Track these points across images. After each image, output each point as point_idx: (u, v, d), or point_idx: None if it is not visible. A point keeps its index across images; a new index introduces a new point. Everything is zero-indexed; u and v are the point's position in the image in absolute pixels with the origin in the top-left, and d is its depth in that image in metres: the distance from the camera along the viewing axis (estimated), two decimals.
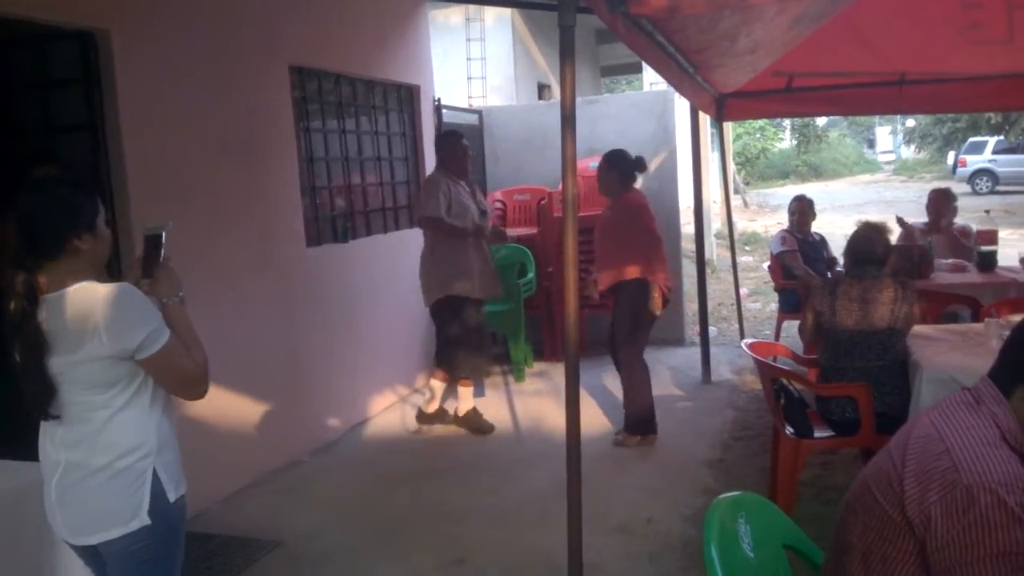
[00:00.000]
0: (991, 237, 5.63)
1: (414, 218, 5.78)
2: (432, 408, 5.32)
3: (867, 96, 6.41)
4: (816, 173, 32.59)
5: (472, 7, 8.76)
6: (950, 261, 5.68)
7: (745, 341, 3.96)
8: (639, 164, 4.96)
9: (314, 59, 5.28)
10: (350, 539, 3.86)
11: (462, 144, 5.18)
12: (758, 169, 30.09)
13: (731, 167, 16.60)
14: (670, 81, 4.73)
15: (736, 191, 21.02)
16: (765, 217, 19.00)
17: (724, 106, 6.65)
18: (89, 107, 3.84)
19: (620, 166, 4.89)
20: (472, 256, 5.08)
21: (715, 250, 11.93)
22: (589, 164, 6.86)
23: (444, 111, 6.90)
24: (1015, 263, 5.75)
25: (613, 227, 4.86)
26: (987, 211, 7.32)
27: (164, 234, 2.15)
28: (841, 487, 4.05)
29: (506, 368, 6.58)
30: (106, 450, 2.02)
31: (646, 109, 7.45)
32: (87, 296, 1.97)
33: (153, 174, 3.99)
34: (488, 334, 5.66)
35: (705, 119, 8.86)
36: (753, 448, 4.67)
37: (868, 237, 3.78)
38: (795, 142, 34.28)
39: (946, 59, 5.70)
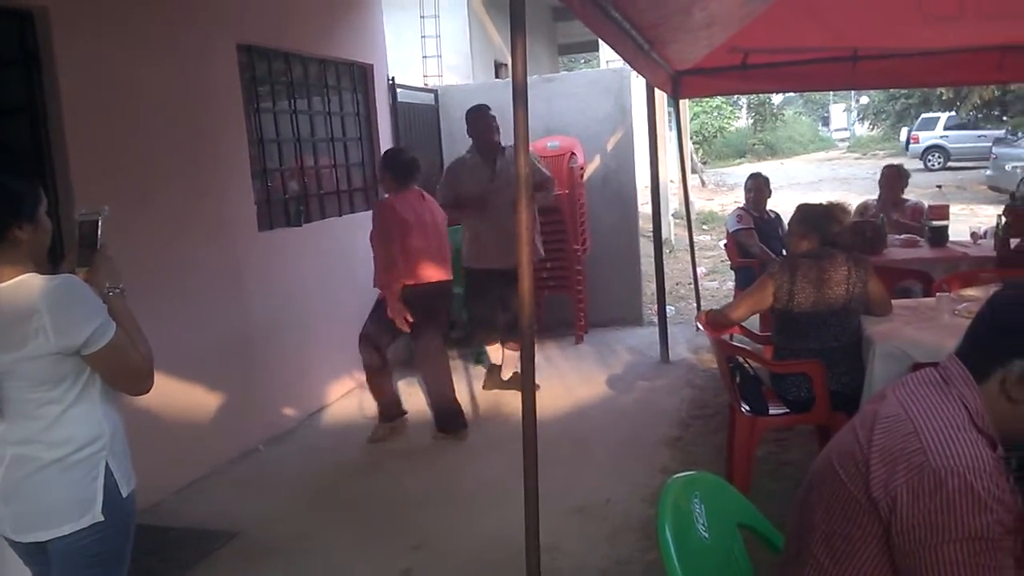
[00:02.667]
0: (942, 212, 5.71)
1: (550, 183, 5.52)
2: (507, 375, 5.58)
3: (821, 72, 6.45)
4: (772, 151, 32.92)
5: None
6: (902, 236, 5.74)
7: (702, 319, 3.95)
8: (411, 165, 4.77)
9: (264, 38, 5.14)
10: (307, 528, 3.81)
11: (475, 118, 5.29)
12: (715, 148, 30.31)
13: (688, 146, 16.68)
14: (626, 58, 4.69)
15: (694, 170, 21.13)
16: (722, 196, 19.16)
17: (680, 83, 6.64)
18: (28, 89, 3.68)
19: (393, 167, 4.76)
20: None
21: (672, 229, 11.98)
22: (547, 143, 6.83)
23: (399, 90, 6.79)
24: (966, 238, 5.84)
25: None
26: (939, 186, 7.48)
27: (100, 220, 2.06)
28: (796, 463, 4.10)
29: (467, 351, 6.54)
30: (60, 445, 1.96)
31: (603, 87, 7.40)
32: (29, 290, 1.90)
33: (96, 158, 3.85)
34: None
35: (662, 98, 8.86)
36: (711, 426, 4.69)
37: (835, 216, 3.77)
38: (751, 121, 34.56)
39: (898, 34, 5.75)
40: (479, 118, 5.25)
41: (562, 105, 7.34)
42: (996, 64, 6.10)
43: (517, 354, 5.37)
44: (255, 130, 5.09)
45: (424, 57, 8.78)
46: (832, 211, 3.72)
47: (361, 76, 6.36)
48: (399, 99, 6.78)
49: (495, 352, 5.64)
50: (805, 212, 3.76)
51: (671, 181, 12.59)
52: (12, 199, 1.96)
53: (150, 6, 4.21)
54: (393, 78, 6.69)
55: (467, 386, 5.84)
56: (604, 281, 7.16)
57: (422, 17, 8.87)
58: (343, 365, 5.78)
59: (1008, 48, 5.95)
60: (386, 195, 4.80)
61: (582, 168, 6.95)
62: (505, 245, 4.95)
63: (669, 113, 13.90)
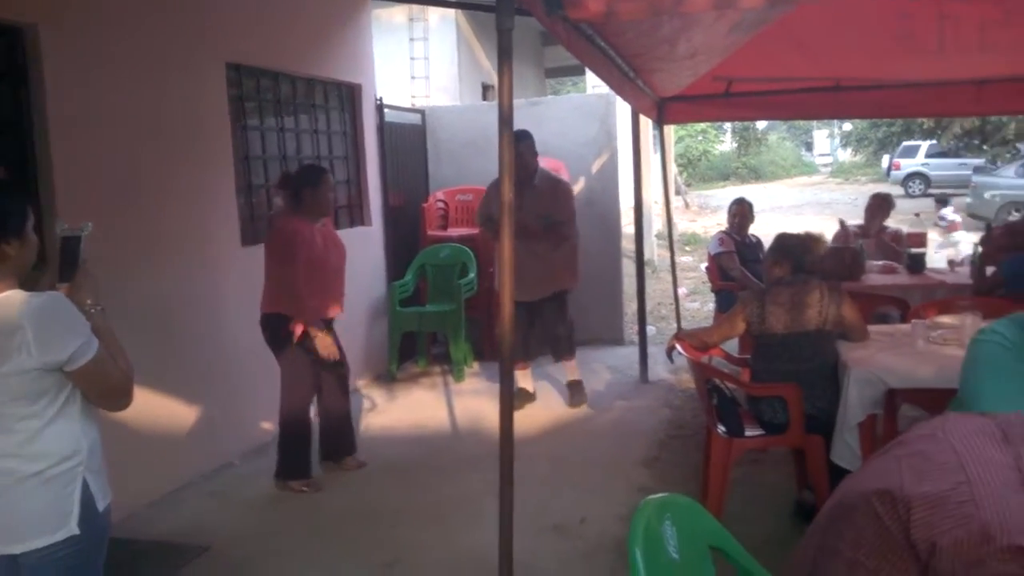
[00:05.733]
0: (920, 240, 5.81)
1: (573, 229, 5.51)
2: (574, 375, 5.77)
3: (804, 101, 6.56)
4: (756, 175, 33.19)
5: (416, 7, 8.71)
6: (881, 263, 5.84)
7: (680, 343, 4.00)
8: (304, 177, 4.32)
9: (252, 56, 5.19)
10: (281, 543, 3.81)
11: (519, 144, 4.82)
12: (699, 171, 30.56)
13: (672, 169, 16.83)
14: (611, 85, 4.77)
15: (677, 192, 21.31)
16: (705, 218, 19.31)
17: (665, 110, 6.73)
18: (15, 105, 3.70)
19: (286, 184, 4.36)
20: None
21: (656, 250, 12.07)
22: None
23: (386, 110, 6.85)
24: (944, 265, 5.94)
25: None
26: (917, 214, 7.65)
27: (83, 237, 2.09)
28: (771, 485, 4.15)
29: (446, 368, 6.57)
30: (38, 459, 1.97)
31: (588, 112, 7.50)
32: (13, 306, 1.91)
33: (81, 174, 3.87)
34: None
35: (647, 122, 8.97)
36: (688, 447, 4.74)
37: (809, 247, 3.85)
38: (735, 145, 34.86)
39: (880, 66, 5.87)
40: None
41: (548, 128, 7.41)
42: (974, 97, 6.22)
43: (573, 362, 5.70)
44: (241, 147, 5.13)
45: (412, 78, 8.85)
46: (807, 241, 3.81)
47: (349, 96, 6.42)
48: (386, 119, 6.84)
49: (522, 377, 5.70)
50: (781, 241, 3.85)
51: (655, 203, 12.70)
52: (0, 215, 1.98)
53: (139, 24, 4.25)
54: (381, 98, 6.75)
55: (446, 402, 5.88)
56: (586, 300, 7.19)
57: (411, 39, 8.95)
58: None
59: (985, 82, 6.08)
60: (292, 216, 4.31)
61: None
62: (522, 276, 4.98)
63: (654, 136, 14.05)
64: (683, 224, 17.31)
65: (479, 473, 4.39)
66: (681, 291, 9.58)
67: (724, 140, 34.54)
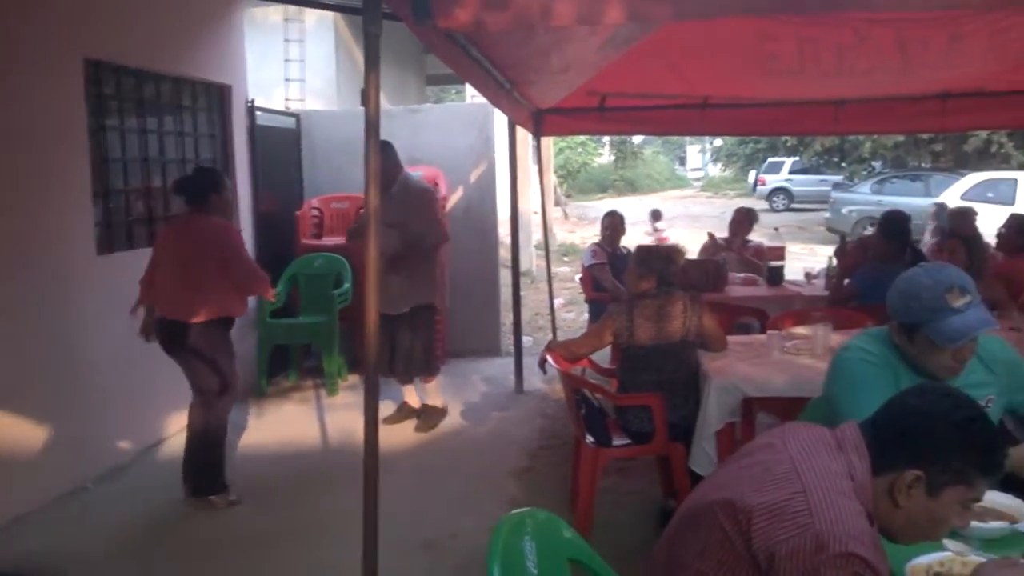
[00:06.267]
0: (779, 253, 6.09)
1: (434, 236, 5.29)
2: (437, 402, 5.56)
3: (673, 117, 6.76)
4: (632, 187, 34.16)
5: (292, 8, 8.50)
6: (742, 275, 6.08)
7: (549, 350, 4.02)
8: (208, 180, 4.31)
9: (113, 53, 4.92)
10: (138, 571, 3.61)
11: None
12: (579, 182, 31.17)
13: (551, 180, 17.08)
14: (486, 95, 4.79)
15: (557, 203, 21.64)
16: (584, 229, 19.66)
17: (542, 122, 6.80)
18: None
19: (185, 188, 4.31)
20: None
21: (535, 260, 12.20)
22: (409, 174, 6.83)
23: (258, 113, 6.64)
24: (800, 277, 6.25)
25: None
26: (776, 229, 8.06)
27: None
28: (638, 493, 4.24)
29: (319, 381, 6.41)
30: None
31: (467, 121, 7.50)
32: None
33: None
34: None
35: (526, 132, 9.06)
36: (559, 456, 4.78)
37: (671, 259, 3.95)
38: (613, 157, 35.79)
39: (745, 86, 6.12)
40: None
41: (427, 136, 7.38)
42: (832, 117, 6.56)
43: (432, 384, 5.48)
44: (100, 149, 4.85)
45: (287, 80, 8.63)
46: (668, 253, 3.91)
47: (218, 97, 6.18)
48: (258, 122, 6.63)
49: (408, 392, 5.55)
50: (643, 254, 3.93)
51: (534, 213, 12.83)
52: None
53: None
54: (252, 100, 6.54)
55: (318, 416, 5.74)
56: (463, 311, 7.21)
57: (286, 40, 8.72)
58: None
59: (842, 102, 6.43)
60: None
61: (444, 199, 6.99)
62: (383, 288, 4.88)
63: (534, 147, 14.21)
64: (562, 235, 17.57)
65: (350, 490, 4.22)
66: (558, 301, 9.72)
67: (603, 153, 35.38)
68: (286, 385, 6.49)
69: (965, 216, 6.20)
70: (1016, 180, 14.48)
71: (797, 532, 1.44)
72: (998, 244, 5.82)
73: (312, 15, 8.73)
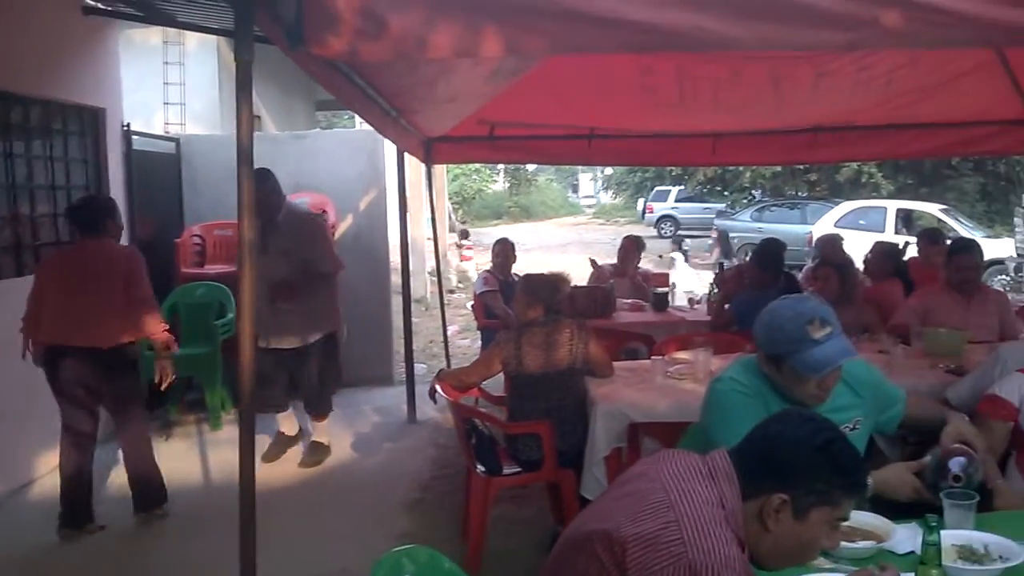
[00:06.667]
0: (664, 280, 6.25)
1: (329, 264, 5.16)
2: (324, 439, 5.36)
3: (562, 147, 6.87)
4: (527, 214, 34.57)
5: (172, 30, 8.24)
6: (630, 301, 6.21)
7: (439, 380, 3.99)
8: (103, 207, 4.33)
9: None
10: None
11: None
12: (474, 208, 31.32)
13: (446, 206, 17.07)
14: (373, 123, 4.72)
15: (452, 230, 21.64)
16: (480, 255, 19.71)
17: (432, 150, 6.79)
18: None
19: (79, 215, 4.32)
20: None
21: (429, 287, 12.13)
22: (296, 201, 6.68)
23: (135, 137, 6.39)
24: (685, 303, 6.43)
25: None
26: (661, 256, 8.33)
27: None
28: (530, 521, 4.23)
29: (202, 416, 6.15)
30: None
31: (357, 147, 7.42)
32: None
33: None
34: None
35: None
36: (452, 486, 4.73)
37: (557, 287, 3.99)
38: (507, 184, 36.15)
39: (629, 118, 6.29)
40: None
41: (314, 163, 7.26)
42: (711, 149, 6.81)
43: (324, 422, 5.30)
44: None
45: (166, 104, 8.34)
46: (554, 281, 3.95)
47: (92, 120, 5.91)
48: (135, 147, 6.38)
49: (284, 419, 5.38)
50: (530, 282, 3.96)
51: (427, 240, 12.78)
52: None
53: None
54: (128, 124, 6.29)
55: (200, 451, 5.50)
56: (354, 340, 7.05)
57: (166, 63, 8.44)
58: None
59: (720, 135, 6.69)
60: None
61: (333, 226, 6.88)
62: (276, 322, 4.78)
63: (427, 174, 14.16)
64: (457, 261, 17.56)
65: (233, 528, 4.11)
66: (453, 328, 9.70)
67: (497, 179, 35.69)
68: (167, 420, 6.20)
69: (834, 244, 6.51)
70: (885, 208, 15.39)
71: (671, 562, 1.46)
72: (865, 270, 6.15)
73: (193, 37, 8.49)
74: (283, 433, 5.40)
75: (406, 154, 6.34)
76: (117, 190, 6.07)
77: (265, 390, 4.75)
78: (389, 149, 7.56)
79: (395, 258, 7.75)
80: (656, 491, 1.58)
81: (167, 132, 7.83)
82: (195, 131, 8.35)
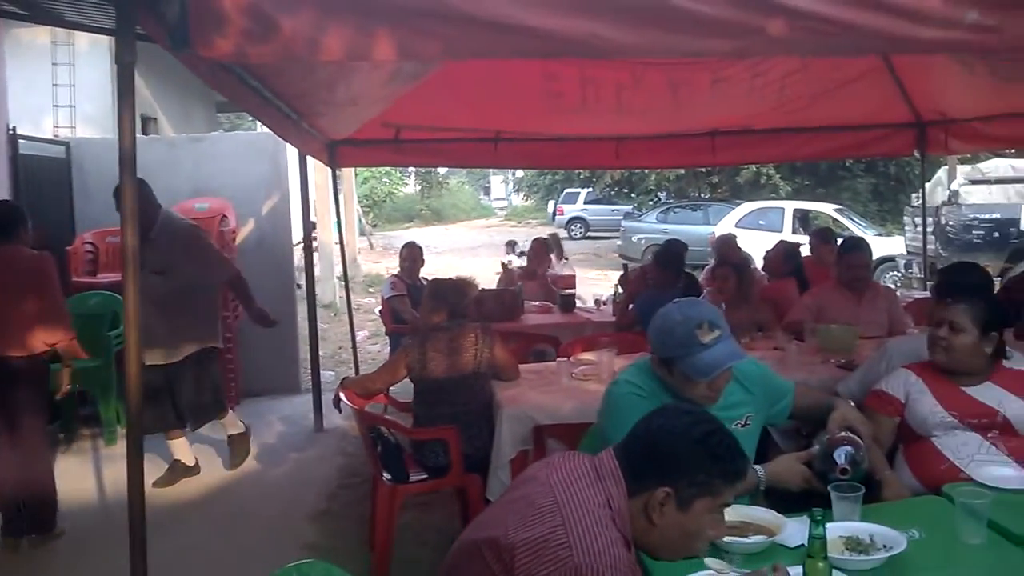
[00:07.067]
0: (570, 282, 6.31)
1: (219, 274, 4.97)
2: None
3: (467, 150, 6.86)
4: (438, 217, 34.46)
5: (61, 30, 7.88)
6: (538, 303, 6.25)
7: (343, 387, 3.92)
8: (13, 214, 4.24)
9: None
10: None
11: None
12: (385, 212, 31.03)
13: (355, 210, 16.88)
14: (271, 126, 4.62)
15: (363, 233, 21.41)
16: (390, 259, 19.54)
17: (336, 153, 6.68)
18: None
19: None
20: None
21: (338, 292, 11.95)
22: (195, 205, 6.49)
23: (21, 142, 6.08)
24: (592, 304, 6.50)
25: None
26: (566, 258, 8.37)
27: None
28: (438, 527, 4.20)
29: (96, 431, 5.89)
30: None
31: (259, 150, 7.24)
32: None
33: None
34: None
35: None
36: (359, 495, 4.66)
37: (463, 292, 3.98)
38: (419, 187, 35.95)
39: (534, 121, 6.33)
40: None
41: (214, 166, 7.06)
42: (614, 152, 6.91)
43: (179, 441, 5.00)
44: None
45: (55, 107, 7.97)
46: (460, 285, 3.95)
47: None
48: (22, 151, 6.08)
49: (179, 447, 5.04)
50: (436, 287, 3.95)
51: (336, 244, 12.60)
52: None
53: None
54: (14, 128, 5.98)
55: (94, 468, 5.28)
56: (258, 348, 6.90)
57: (54, 64, 8.07)
58: None
59: (623, 139, 6.80)
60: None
61: (234, 231, 6.71)
62: (157, 336, 4.53)
63: (337, 176, 13.93)
64: (367, 265, 17.40)
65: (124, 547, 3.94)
66: (362, 334, 9.58)
67: (408, 182, 35.45)
68: (58, 435, 5.91)
69: (730, 244, 6.71)
70: (783, 209, 15.94)
71: (557, 566, 1.48)
72: (764, 267, 6.36)
73: (84, 38, 8.14)
74: (180, 462, 5.04)
75: (312, 157, 6.22)
76: (2, 196, 5.76)
77: (147, 409, 4.54)
78: (292, 152, 7.41)
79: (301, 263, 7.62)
80: (545, 494, 1.59)
81: (56, 136, 7.49)
82: (87, 134, 8.00)
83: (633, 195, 23.35)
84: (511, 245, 12.12)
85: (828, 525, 2.06)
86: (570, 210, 26.74)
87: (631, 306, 5.62)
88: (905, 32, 2.20)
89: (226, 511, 4.57)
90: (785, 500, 2.39)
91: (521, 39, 2.13)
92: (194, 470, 5.06)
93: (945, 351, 2.74)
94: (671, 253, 5.48)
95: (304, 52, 2.17)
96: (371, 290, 14.02)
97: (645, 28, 2.10)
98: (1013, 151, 11.98)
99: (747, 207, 16.53)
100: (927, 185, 11.04)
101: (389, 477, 3.68)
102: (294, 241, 7.40)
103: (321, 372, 6.46)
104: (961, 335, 2.70)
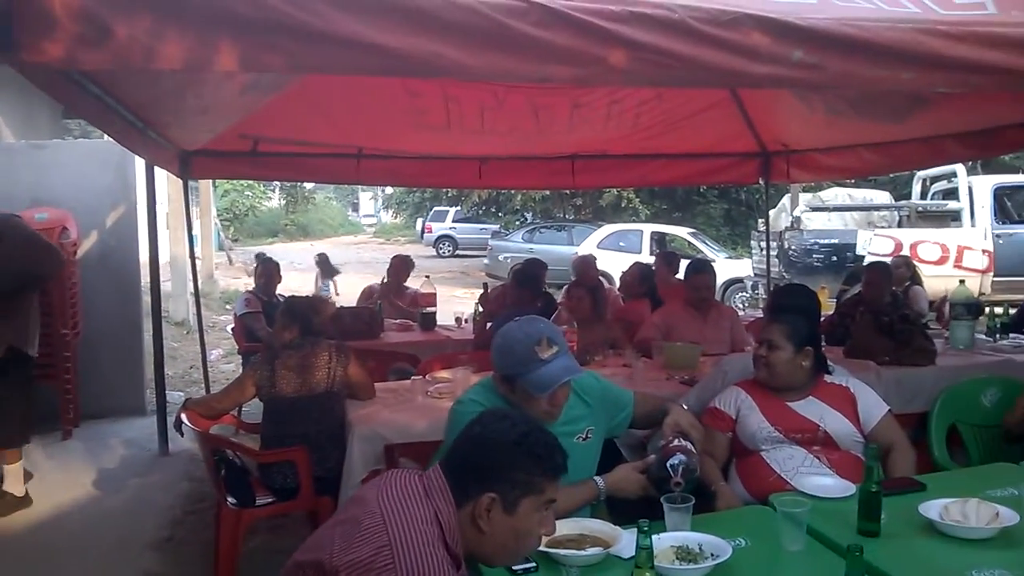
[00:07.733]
0: (430, 300, 6.31)
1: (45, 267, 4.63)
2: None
3: (328, 166, 6.75)
4: (304, 232, 33.73)
5: None
6: (398, 321, 6.21)
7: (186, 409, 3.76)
8: None
9: None
10: None
11: None
12: (247, 226, 30.12)
13: (213, 223, 16.31)
14: (114, 135, 4.37)
15: (222, 247, 20.70)
16: (251, 275, 18.97)
17: (190, 164, 6.42)
18: None
19: None
20: None
21: (191, 309, 11.46)
22: (34, 215, 6.09)
23: None
24: (452, 322, 6.52)
25: None
26: (427, 276, 8.33)
27: None
28: (289, 551, 4.06)
29: None
30: None
31: (103, 159, 6.87)
32: None
33: None
34: None
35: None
36: (205, 521, 4.46)
37: (317, 309, 3.92)
38: (284, 201, 35.09)
39: (397, 138, 6.30)
40: None
41: (55, 175, 6.66)
42: (477, 172, 6.98)
43: (16, 465, 4.60)
44: None
45: None
46: (314, 303, 3.90)
47: None
48: None
49: (11, 475, 4.60)
50: (289, 304, 3.88)
51: (189, 258, 12.10)
52: None
53: None
54: None
55: None
56: (100, 368, 6.52)
57: None
58: None
59: (486, 159, 6.87)
60: None
61: (75, 244, 6.33)
62: None
63: (194, 189, 13.43)
64: (226, 281, 16.81)
65: None
66: (217, 352, 9.24)
67: (272, 196, 34.55)
68: None
69: (587, 265, 6.91)
70: (642, 231, 16.56)
71: None
72: (620, 288, 6.57)
73: None
74: (11, 494, 4.60)
75: (162, 168, 5.96)
76: None
77: None
78: (141, 162, 7.09)
79: (146, 278, 7.27)
80: (372, 514, 1.59)
81: None
82: None
83: (500, 214, 23.68)
84: (323, 263, 11.67)
85: (661, 535, 2.16)
86: (439, 228, 26.82)
87: (489, 325, 5.67)
88: (741, 67, 2.35)
89: (57, 540, 4.27)
90: (627, 509, 2.47)
91: (365, 56, 2.13)
92: (27, 501, 4.66)
93: (766, 367, 2.91)
94: (529, 273, 5.58)
95: (140, 59, 2.08)
96: (228, 307, 13.52)
97: (488, 52, 2.15)
98: (852, 181, 12.93)
99: (608, 229, 17.08)
100: (772, 212, 11.75)
101: (234, 501, 3.55)
102: (141, 255, 7.05)
103: (169, 393, 6.18)
104: (777, 352, 2.88)
